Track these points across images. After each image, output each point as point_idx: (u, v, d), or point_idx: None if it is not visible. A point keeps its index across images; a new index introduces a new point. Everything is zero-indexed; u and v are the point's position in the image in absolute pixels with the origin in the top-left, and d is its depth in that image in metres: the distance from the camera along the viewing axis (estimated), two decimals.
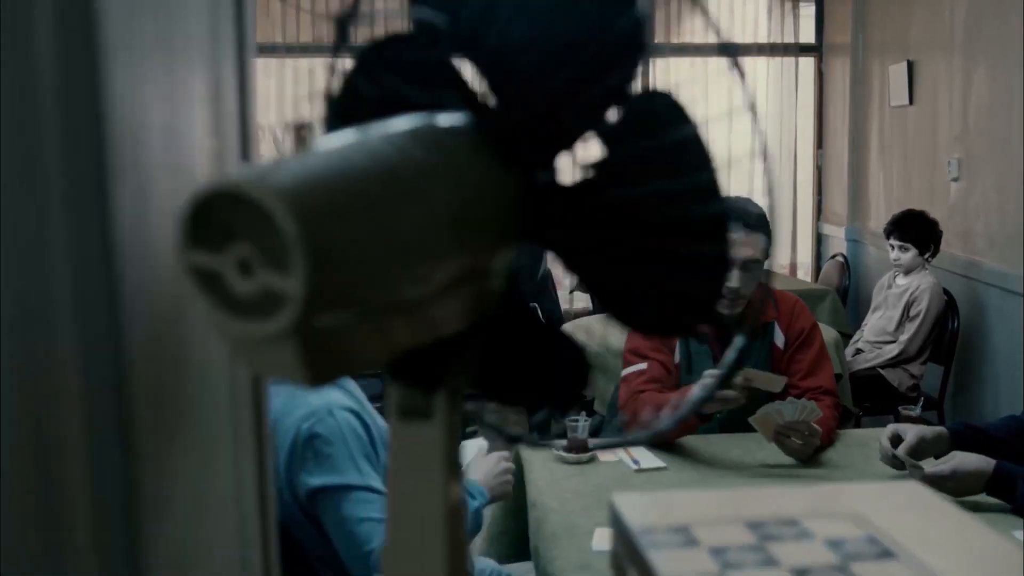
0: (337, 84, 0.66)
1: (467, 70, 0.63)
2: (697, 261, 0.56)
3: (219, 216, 0.49)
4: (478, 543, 2.33)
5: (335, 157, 0.51)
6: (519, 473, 2.27)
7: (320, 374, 0.50)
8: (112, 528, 0.54)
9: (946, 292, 4.07)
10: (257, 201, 0.46)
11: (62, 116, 0.50)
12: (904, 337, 3.98)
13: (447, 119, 0.58)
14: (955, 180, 4.39)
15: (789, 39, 6.19)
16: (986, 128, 4.09)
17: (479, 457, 2.08)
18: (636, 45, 0.55)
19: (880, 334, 4.11)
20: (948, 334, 4.05)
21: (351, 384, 1.94)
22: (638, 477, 2.15)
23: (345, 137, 0.54)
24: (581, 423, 2.28)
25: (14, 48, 0.49)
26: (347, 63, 0.68)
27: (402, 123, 0.56)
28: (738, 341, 0.63)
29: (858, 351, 4.15)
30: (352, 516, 1.77)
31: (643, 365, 2.45)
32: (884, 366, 4.00)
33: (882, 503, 0.79)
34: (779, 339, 2.50)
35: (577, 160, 0.61)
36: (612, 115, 0.57)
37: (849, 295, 5.31)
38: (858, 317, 4.82)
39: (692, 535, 0.72)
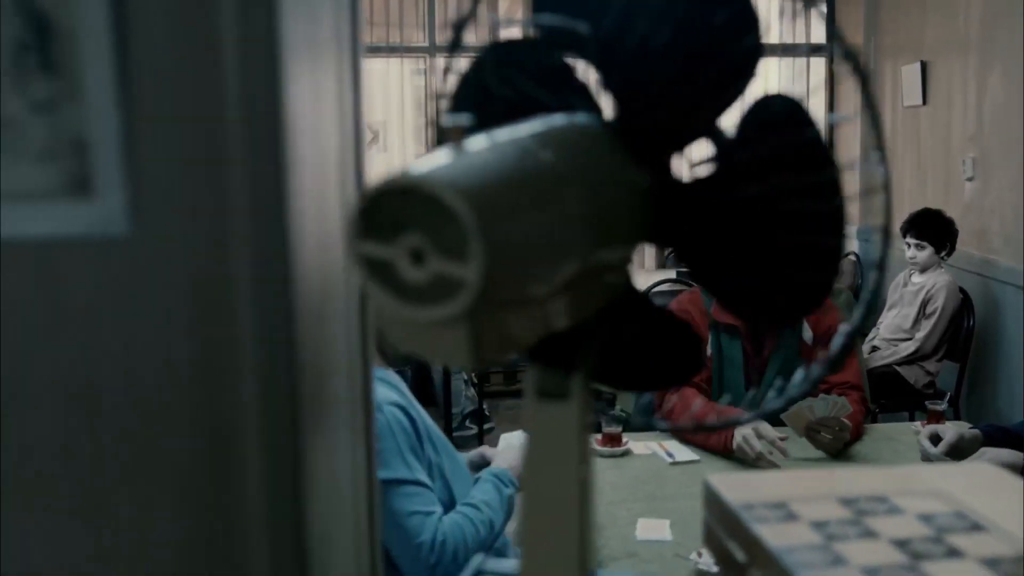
0: (453, 85, 0.71)
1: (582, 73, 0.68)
2: (815, 254, 0.60)
3: (390, 210, 0.54)
4: (509, 531, 2.38)
5: (495, 156, 0.56)
6: None
7: (482, 356, 0.55)
8: (281, 504, 0.58)
9: (961, 290, 4.12)
10: (438, 197, 0.51)
11: (244, 114, 0.54)
12: (920, 334, 4.03)
13: (580, 120, 0.62)
14: (970, 179, 4.44)
15: (801, 39, 6.24)
16: (1001, 127, 4.13)
17: (509, 447, 2.12)
18: (758, 55, 0.60)
19: (896, 332, 4.16)
20: (964, 332, 4.10)
21: (395, 378, 1.98)
22: (673, 469, 2.19)
23: (496, 137, 0.58)
24: (614, 415, 2.33)
25: (201, 48, 0.54)
26: (463, 63, 0.72)
27: (544, 124, 0.60)
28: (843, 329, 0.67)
29: (874, 348, 4.20)
30: (402, 510, 1.81)
31: None
32: (900, 363, 4.04)
33: (961, 482, 0.84)
34: (807, 335, 2.55)
35: (694, 159, 0.65)
36: (734, 116, 0.62)
37: (859, 291, 5.36)
38: (872, 315, 4.86)
39: (791, 510, 0.77)
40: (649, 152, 0.63)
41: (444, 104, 0.70)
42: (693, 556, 1.68)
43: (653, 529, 1.81)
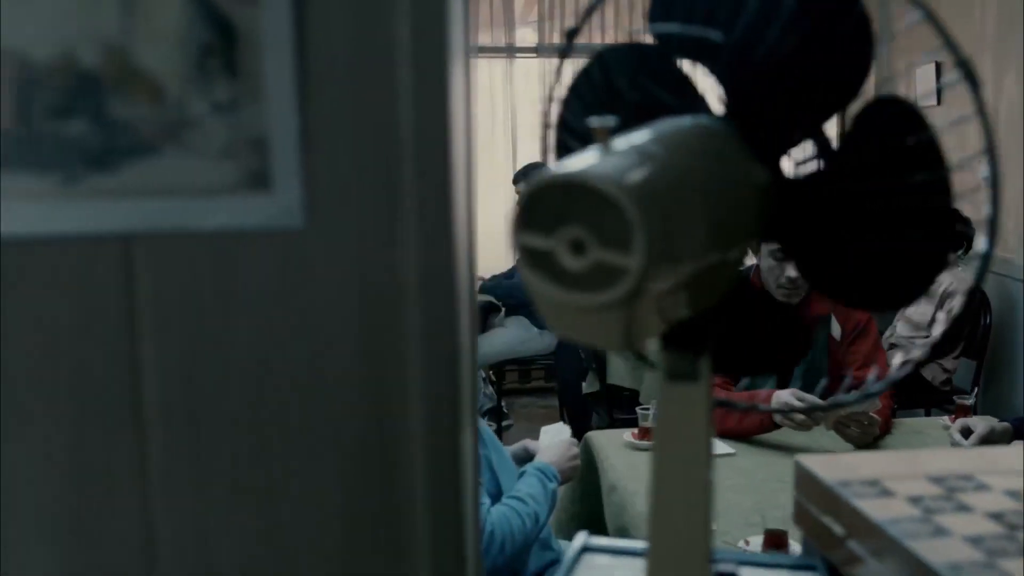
0: (578, 87, 0.76)
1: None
2: (922, 249, 0.65)
3: (552, 204, 0.58)
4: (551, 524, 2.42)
5: (643, 155, 0.60)
6: (589, 460, 2.37)
7: (633, 340, 0.60)
8: (440, 484, 0.63)
9: (979, 287, 4.16)
10: (603, 192, 0.55)
11: (414, 116, 0.59)
12: (938, 332, 4.07)
13: (706, 122, 0.67)
14: (985, 179, 4.48)
15: None
16: (1015, 128, 4.18)
17: (552, 444, 2.16)
18: (871, 62, 0.65)
19: (914, 329, 4.21)
20: (980, 329, 4.15)
21: None
22: None
23: (638, 137, 0.63)
24: (652, 412, 2.37)
25: (374, 54, 0.58)
26: (577, 67, 0.77)
27: (677, 125, 0.65)
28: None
29: (892, 346, 4.24)
30: None
31: None
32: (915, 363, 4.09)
33: None
34: (836, 330, 2.60)
35: (799, 157, 0.70)
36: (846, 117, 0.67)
37: None
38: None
39: (885, 487, 0.81)
40: (767, 152, 0.67)
41: (568, 105, 0.74)
42: (741, 544, 1.73)
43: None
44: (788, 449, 2.33)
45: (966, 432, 2.19)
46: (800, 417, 2.27)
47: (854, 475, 0.84)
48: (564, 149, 0.78)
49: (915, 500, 0.79)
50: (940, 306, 4.12)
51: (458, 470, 0.63)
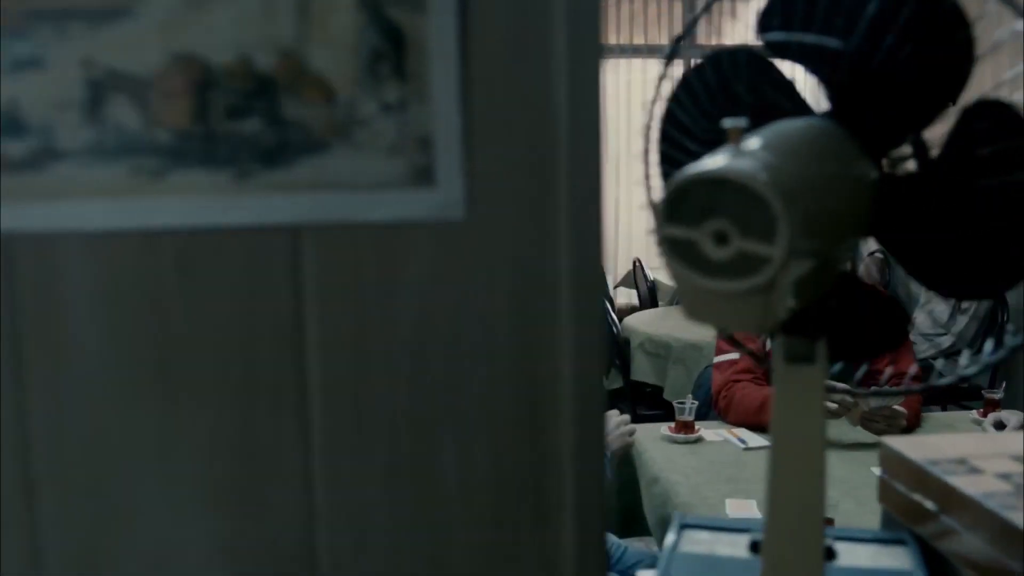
0: (671, 90, 0.81)
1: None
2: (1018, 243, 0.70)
3: (696, 199, 0.63)
4: None
5: (775, 153, 0.65)
6: (625, 455, 2.42)
7: (766, 324, 0.65)
8: (587, 460, 0.68)
9: None
10: (752, 187, 0.61)
11: (569, 117, 0.64)
12: (956, 329, 4.13)
13: (819, 123, 0.72)
14: None
15: None
16: None
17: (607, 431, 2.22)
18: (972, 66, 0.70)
19: (933, 327, 4.26)
20: (998, 327, 4.20)
21: None
22: (747, 455, 2.29)
23: (765, 137, 0.68)
24: (688, 405, 2.43)
25: (533, 59, 0.63)
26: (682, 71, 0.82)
27: (796, 124, 0.70)
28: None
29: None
30: None
31: (735, 355, 2.60)
32: (936, 357, 4.14)
33: None
34: None
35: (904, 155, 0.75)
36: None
37: (888, 290, 5.45)
38: None
39: (973, 465, 0.87)
40: (875, 151, 0.73)
41: (678, 102, 0.79)
42: None
43: (742, 508, 1.91)
44: None
45: (999, 425, 2.25)
46: (833, 406, 2.33)
47: (941, 455, 0.89)
48: (671, 144, 0.83)
49: (1004, 476, 0.84)
50: (958, 303, 4.18)
51: (600, 445, 0.68)
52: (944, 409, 4.02)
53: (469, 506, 0.69)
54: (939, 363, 4.13)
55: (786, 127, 0.70)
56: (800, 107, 0.75)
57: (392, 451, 0.68)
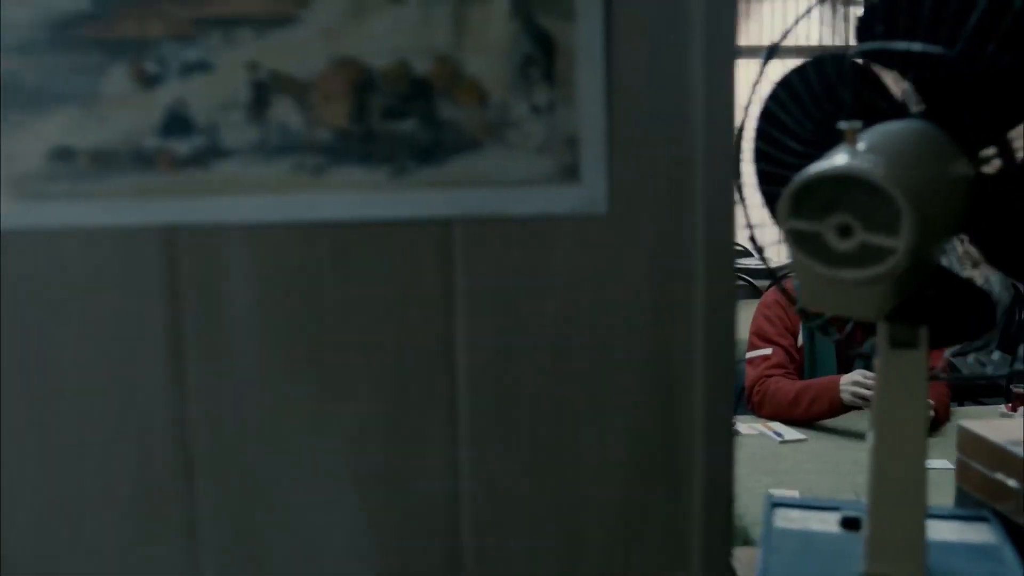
0: (766, 92, 0.87)
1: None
2: None
3: (821, 194, 0.69)
4: None
5: (891, 152, 0.71)
6: None
7: (882, 311, 0.70)
8: (716, 445, 0.73)
9: (1014, 284, 4.26)
10: (878, 184, 0.66)
11: (705, 119, 0.69)
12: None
13: (919, 125, 0.77)
14: None
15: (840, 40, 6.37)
16: None
17: None
18: None
19: None
20: (1016, 324, 4.24)
21: None
22: (784, 448, 2.35)
23: (877, 137, 0.73)
24: None
25: (673, 65, 0.69)
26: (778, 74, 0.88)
27: (898, 126, 0.76)
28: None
29: None
30: None
31: (768, 350, 2.66)
32: (955, 354, 4.19)
33: None
34: None
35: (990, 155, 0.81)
36: None
37: None
38: None
39: None
40: (969, 151, 0.78)
41: (777, 102, 0.85)
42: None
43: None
44: (855, 434, 2.43)
45: None
46: (867, 393, 2.38)
47: (1020, 436, 0.94)
48: (770, 142, 0.88)
49: None
50: None
51: (729, 426, 0.74)
52: (961, 405, 4.07)
53: (604, 486, 0.74)
54: (969, 359, 4.18)
55: (891, 129, 0.75)
56: (896, 108, 0.80)
57: (533, 436, 0.73)
